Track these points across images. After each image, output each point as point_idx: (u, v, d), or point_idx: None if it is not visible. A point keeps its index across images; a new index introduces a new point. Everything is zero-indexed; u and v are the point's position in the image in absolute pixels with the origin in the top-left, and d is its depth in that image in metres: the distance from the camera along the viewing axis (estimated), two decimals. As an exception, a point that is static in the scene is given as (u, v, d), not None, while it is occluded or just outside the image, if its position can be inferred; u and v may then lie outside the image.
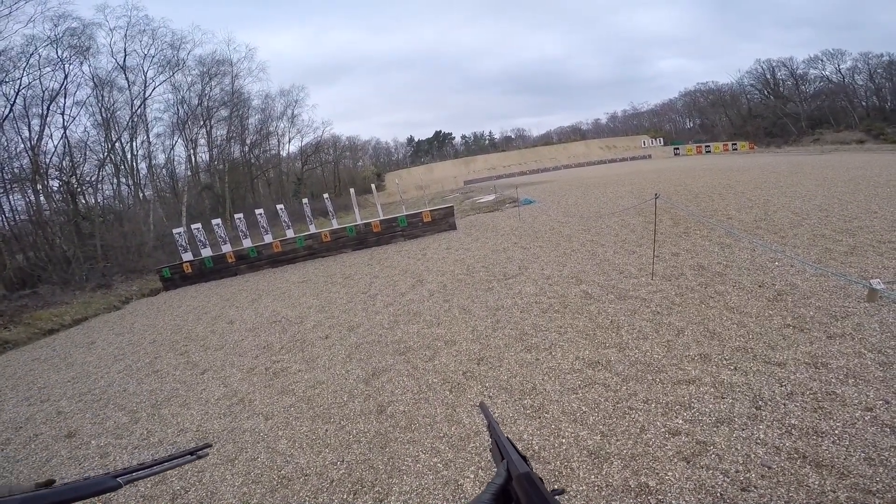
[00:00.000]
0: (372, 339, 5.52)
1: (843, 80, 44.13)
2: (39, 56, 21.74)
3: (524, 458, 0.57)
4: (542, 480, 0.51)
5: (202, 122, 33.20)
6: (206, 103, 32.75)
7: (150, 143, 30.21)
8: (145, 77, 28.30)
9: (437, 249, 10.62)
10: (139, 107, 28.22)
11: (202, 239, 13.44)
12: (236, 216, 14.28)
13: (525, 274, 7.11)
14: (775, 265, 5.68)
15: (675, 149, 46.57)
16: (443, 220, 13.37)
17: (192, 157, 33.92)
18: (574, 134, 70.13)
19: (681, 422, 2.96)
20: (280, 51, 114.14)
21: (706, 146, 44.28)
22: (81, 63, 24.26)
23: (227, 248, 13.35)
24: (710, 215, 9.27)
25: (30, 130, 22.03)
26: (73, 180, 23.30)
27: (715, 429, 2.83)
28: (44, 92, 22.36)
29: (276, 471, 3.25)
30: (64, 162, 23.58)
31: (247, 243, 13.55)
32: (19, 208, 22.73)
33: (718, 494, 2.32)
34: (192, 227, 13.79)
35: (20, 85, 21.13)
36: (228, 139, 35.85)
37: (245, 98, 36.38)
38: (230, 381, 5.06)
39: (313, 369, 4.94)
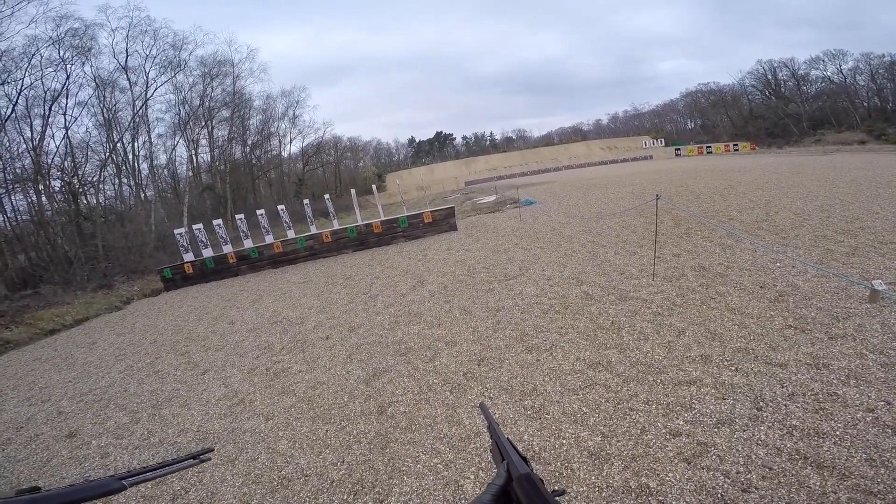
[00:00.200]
0: (372, 339, 5.52)
1: (845, 81, 44.08)
2: (41, 56, 21.83)
3: (524, 458, 0.57)
4: (542, 481, 0.51)
5: (204, 123, 33.27)
6: (207, 104, 32.85)
7: (151, 143, 30.31)
8: (147, 77, 28.41)
9: (438, 250, 10.62)
10: (141, 107, 28.30)
11: (203, 239, 13.46)
12: (237, 217, 14.31)
13: (526, 275, 7.11)
14: (777, 266, 5.67)
15: (676, 149, 46.50)
16: (444, 221, 13.37)
17: (194, 158, 34.01)
18: (575, 134, 70.12)
19: (681, 423, 2.95)
20: (281, 51, 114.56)
21: (707, 147, 44.20)
22: (83, 63, 24.36)
23: (228, 249, 13.37)
24: (712, 216, 9.26)
25: (32, 131, 22.12)
26: (75, 181, 23.34)
27: (716, 430, 2.82)
28: (46, 92, 22.45)
29: (276, 471, 3.25)
30: (66, 162, 23.65)
31: (248, 244, 13.57)
32: (21, 208, 22.82)
33: (719, 495, 2.32)
34: (194, 227, 13.82)
35: (22, 85, 21.21)
36: (230, 140, 35.95)
37: (246, 99, 36.52)
38: (231, 382, 5.06)
39: (314, 370, 4.94)
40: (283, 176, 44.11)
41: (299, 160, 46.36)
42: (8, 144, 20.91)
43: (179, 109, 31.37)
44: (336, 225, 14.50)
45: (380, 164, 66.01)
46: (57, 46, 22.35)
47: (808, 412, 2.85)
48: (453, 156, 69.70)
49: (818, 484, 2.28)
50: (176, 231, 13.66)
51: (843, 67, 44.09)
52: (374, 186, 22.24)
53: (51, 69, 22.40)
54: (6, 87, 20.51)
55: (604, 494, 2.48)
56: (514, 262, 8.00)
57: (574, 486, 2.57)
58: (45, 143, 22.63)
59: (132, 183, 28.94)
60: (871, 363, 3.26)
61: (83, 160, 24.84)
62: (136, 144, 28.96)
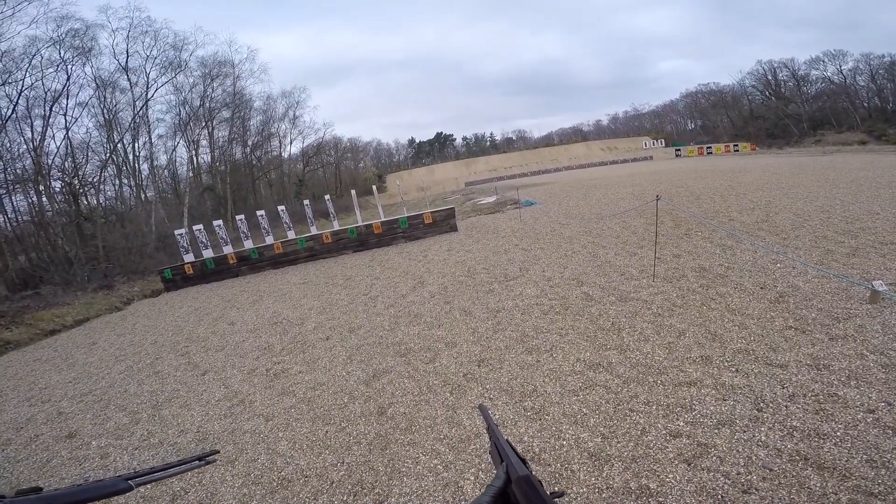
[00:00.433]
0: (373, 340, 5.52)
1: (845, 81, 44.09)
2: (42, 57, 21.87)
3: (523, 460, 0.57)
4: (541, 483, 0.51)
5: (204, 124, 33.29)
6: (207, 104, 32.86)
7: (152, 144, 30.32)
8: (147, 78, 28.43)
9: (438, 251, 10.62)
10: (141, 108, 28.32)
11: (204, 240, 13.46)
12: (238, 217, 14.31)
13: (526, 276, 7.11)
14: (777, 267, 5.66)
15: (676, 150, 46.52)
16: (444, 222, 13.37)
17: (194, 159, 34.03)
18: (575, 135, 70.14)
19: (682, 424, 2.95)
20: (281, 52, 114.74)
21: (707, 147, 44.23)
22: (84, 64, 24.39)
23: (228, 250, 13.38)
24: (712, 217, 9.26)
25: (32, 131, 22.15)
26: (76, 181, 23.37)
27: (716, 431, 2.82)
28: (46, 93, 22.48)
29: (276, 472, 3.25)
30: (66, 163, 23.69)
31: (248, 244, 13.57)
32: (22, 209, 22.85)
33: (720, 497, 2.32)
34: (194, 228, 13.82)
35: (23, 86, 21.24)
36: (230, 140, 35.96)
37: (247, 99, 36.53)
38: (231, 383, 5.06)
39: (314, 371, 4.94)
40: (283, 177, 44.14)
41: (299, 161, 46.39)
42: (8, 145, 20.96)
43: (180, 110, 31.42)
44: (336, 226, 14.50)
45: (380, 164, 66.06)
46: (57, 47, 22.42)
47: (808, 413, 2.84)
48: (453, 156, 69.74)
49: (819, 485, 2.27)
50: (176, 232, 13.67)
51: (843, 68, 44.15)
52: (374, 187, 22.27)
53: (51, 70, 22.47)
54: (7, 87, 20.57)
55: (604, 496, 2.47)
56: (515, 263, 8.00)
57: (574, 488, 2.57)
58: (45, 143, 22.69)
59: (132, 183, 28.99)
60: (871, 364, 3.25)
61: (84, 161, 24.89)
62: (136, 145, 29.02)
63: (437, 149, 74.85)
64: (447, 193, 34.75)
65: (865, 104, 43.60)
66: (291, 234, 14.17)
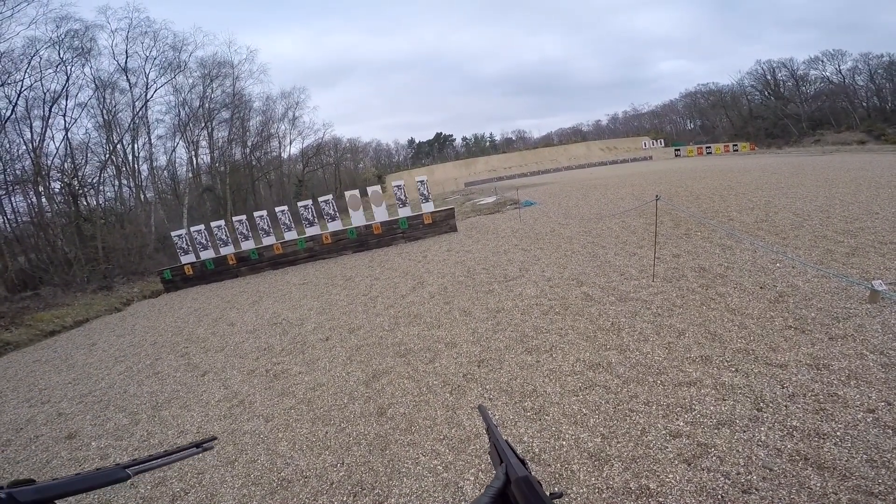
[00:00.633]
0: (372, 341, 5.52)
1: (844, 81, 44.16)
2: (41, 58, 21.83)
3: (523, 461, 0.57)
4: (540, 484, 0.51)
5: (203, 124, 33.25)
6: (207, 105, 32.82)
7: (151, 144, 30.26)
8: (147, 79, 28.38)
9: (438, 251, 10.62)
10: (141, 108, 28.29)
11: (203, 241, 13.46)
12: (237, 218, 14.30)
13: (526, 276, 7.11)
14: (777, 266, 5.66)
15: (675, 150, 46.54)
16: (444, 222, 13.37)
17: (194, 159, 33.98)
18: (575, 135, 70.20)
19: (682, 424, 2.95)
20: (281, 53, 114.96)
21: (707, 147, 44.25)
22: (83, 65, 24.35)
23: (228, 250, 13.37)
24: (711, 217, 9.26)
25: (31, 132, 22.11)
26: (75, 182, 23.35)
27: (716, 431, 2.82)
28: (45, 94, 22.46)
29: (275, 473, 3.25)
30: (65, 164, 23.65)
31: (248, 245, 13.56)
32: (21, 210, 22.81)
33: (720, 497, 2.32)
34: (194, 228, 13.81)
35: (22, 87, 21.21)
36: (230, 141, 35.90)
37: (246, 100, 36.47)
38: (231, 383, 5.06)
39: (314, 371, 4.93)
40: (282, 177, 44.12)
41: (299, 161, 46.36)
42: (8, 146, 20.95)
43: (179, 111, 31.37)
44: (340, 225, 14.47)
45: (380, 165, 66.09)
46: (57, 48, 22.39)
47: (808, 413, 2.84)
48: (453, 157, 69.75)
49: (819, 485, 2.27)
50: (174, 234, 13.65)
51: (842, 68, 44.24)
52: (378, 187, 22.20)
53: (50, 70, 22.44)
54: (6, 88, 20.54)
55: (604, 496, 2.47)
56: (514, 264, 8.00)
57: (574, 488, 2.57)
58: (44, 144, 22.65)
59: (132, 184, 28.93)
60: (871, 364, 3.26)
61: (83, 162, 24.87)
62: (135, 146, 28.96)
63: (437, 149, 74.88)
64: (447, 194, 34.74)
65: (864, 104, 43.66)
66: (291, 235, 14.16)
